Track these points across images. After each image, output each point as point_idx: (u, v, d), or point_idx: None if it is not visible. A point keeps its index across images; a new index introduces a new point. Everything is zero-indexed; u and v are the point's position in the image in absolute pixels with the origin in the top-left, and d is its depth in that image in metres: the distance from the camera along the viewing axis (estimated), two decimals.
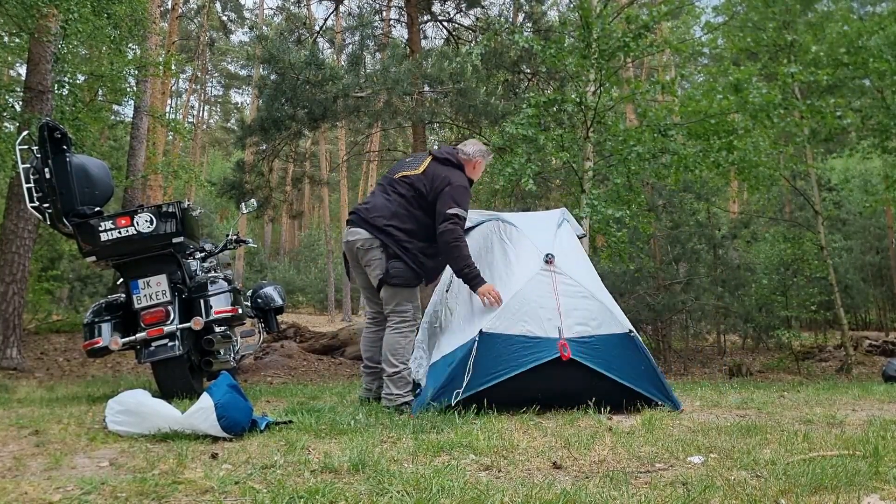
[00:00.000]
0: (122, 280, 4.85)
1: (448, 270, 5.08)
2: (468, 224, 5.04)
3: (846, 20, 9.95)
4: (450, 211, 3.92)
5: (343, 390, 5.73)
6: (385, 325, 4.17)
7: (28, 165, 4.58)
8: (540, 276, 4.16)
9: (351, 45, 11.59)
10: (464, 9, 12.32)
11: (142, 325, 4.64)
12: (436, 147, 4.36)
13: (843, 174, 22.28)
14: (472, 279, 4.01)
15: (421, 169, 4.08)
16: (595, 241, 10.63)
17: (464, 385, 3.83)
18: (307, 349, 10.85)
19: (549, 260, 4.21)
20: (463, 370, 3.87)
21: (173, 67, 14.30)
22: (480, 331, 3.90)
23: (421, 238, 4.02)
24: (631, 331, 4.14)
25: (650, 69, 20.43)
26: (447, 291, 4.80)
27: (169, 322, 4.64)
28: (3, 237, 8.28)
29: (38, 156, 4.52)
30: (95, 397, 4.99)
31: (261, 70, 16.70)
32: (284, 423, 3.42)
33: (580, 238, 5.30)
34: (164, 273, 4.74)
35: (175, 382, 4.64)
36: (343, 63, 10.85)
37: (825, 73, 8.59)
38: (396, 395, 3.95)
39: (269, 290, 6.36)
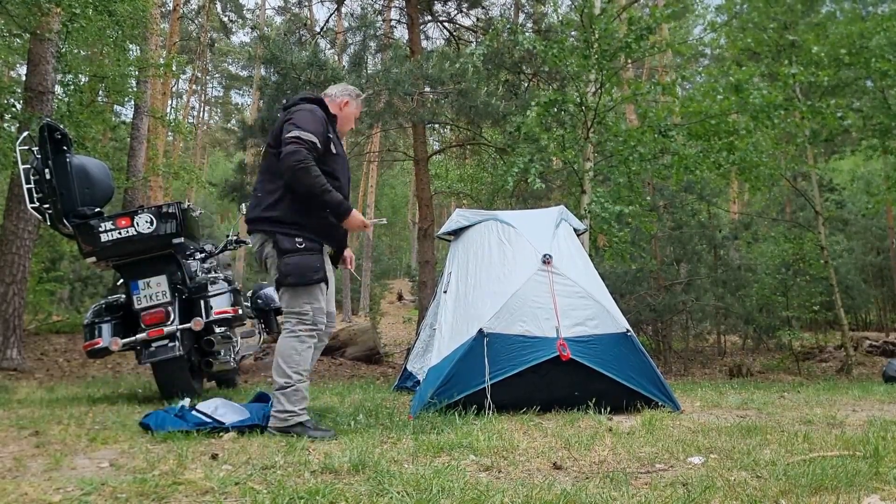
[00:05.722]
0: (122, 281, 4.85)
1: (447, 269, 5.05)
2: (465, 223, 5.03)
3: (854, 21, 9.93)
4: (291, 133, 3.22)
5: (343, 391, 5.73)
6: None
7: (28, 166, 4.58)
8: (537, 276, 4.17)
9: (353, 46, 11.60)
10: (465, 8, 12.32)
11: (142, 325, 4.63)
12: None
13: (849, 174, 22.26)
14: (336, 205, 3.30)
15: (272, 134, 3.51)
16: (597, 241, 10.64)
17: (463, 385, 3.85)
18: None
19: (546, 260, 4.22)
20: (462, 369, 3.88)
21: (174, 68, 14.32)
22: (480, 330, 3.91)
23: (300, 204, 3.33)
24: (628, 330, 4.15)
25: (651, 70, 20.43)
26: (445, 292, 4.81)
27: (169, 323, 4.64)
28: (4, 238, 8.28)
29: (39, 156, 4.52)
30: (95, 398, 4.99)
31: (262, 71, 16.71)
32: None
33: (581, 234, 5.31)
34: (165, 274, 4.74)
35: (175, 383, 4.64)
36: (345, 64, 10.86)
37: (825, 73, 8.59)
38: (289, 412, 3.18)
39: (270, 291, 6.35)
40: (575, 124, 8.98)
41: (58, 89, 9.25)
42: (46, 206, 4.53)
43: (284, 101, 3.65)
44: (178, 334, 4.64)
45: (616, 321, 4.17)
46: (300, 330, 3.28)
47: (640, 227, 10.48)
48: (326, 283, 3.39)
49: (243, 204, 6.44)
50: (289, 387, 3.18)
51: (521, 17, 14.08)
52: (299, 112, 3.35)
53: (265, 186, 3.41)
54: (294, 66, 8.86)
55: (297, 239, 3.28)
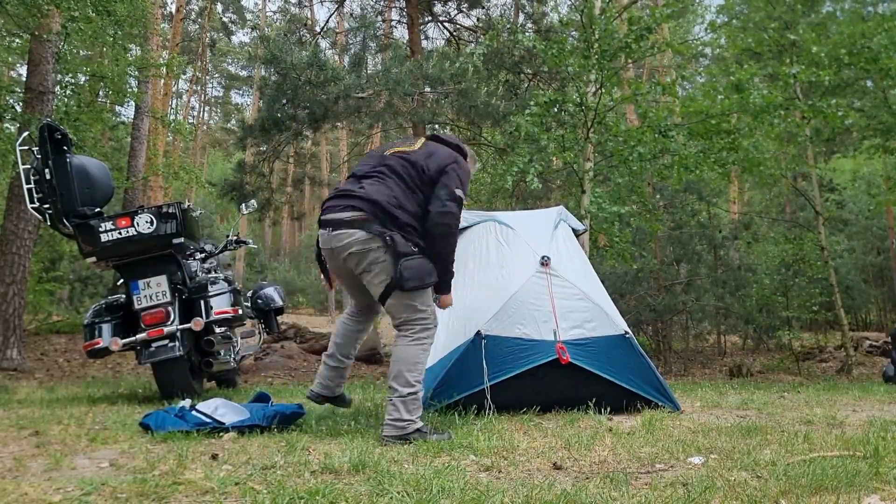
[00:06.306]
0: (122, 281, 4.85)
1: None
2: (463, 224, 5.03)
3: (855, 21, 9.92)
4: (458, 191, 3.20)
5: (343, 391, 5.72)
6: (368, 318, 3.59)
7: (28, 166, 4.59)
8: (536, 278, 4.15)
9: (353, 46, 11.60)
10: (465, 9, 12.33)
11: (142, 325, 4.64)
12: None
13: (851, 174, 22.27)
14: (451, 277, 3.37)
15: (417, 146, 3.38)
16: (597, 241, 10.64)
17: (461, 386, 3.84)
18: (307, 350, 10.86)
19: (544, 262, 4.20)
20: (459, 371, 3.87)
21: (175, 69, 14.34)
22: (478, 332, 3.90)
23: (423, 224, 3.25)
24: (626, 332, 4.14)
25: (651, 69, 20.44)
26: None
27: (169, 323, 4.64)
28: (4, 238, 8.28)
29: (39, 157, 4.53)
30: (96, 398, 4.99)
31: (262, 71, 16.71)
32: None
33: (580, 234, 5.29)
34: (165, 274, 4.74)
35: (175, 383, 4.64)
36: (345, 64, 10.86)
37: (826, 73, 8.59)
38: (407, 421, 3.09)
39: (270, 291, 6.36)
40: (575, 124, 8.98)
41: (57, 89, 9.25)
42: (46, 206, 4.53)
43: (444, 138, 3.52)
44: (178, 334, 4.64)
45: (614, 323, 4.16)
46: (424, 337, 3.22)
47: (641, 227, 10.44)
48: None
49: (243, 204, 6.47)
50: (411, 396, 3.12)
51: (521, 17, 14.08)
52: (466, 171, 3.33)
53: (407, 198, 3.20)
54: (294, 66, 8.87)
55: (424, 258, 3.19)
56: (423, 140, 3.46)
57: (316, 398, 3.54)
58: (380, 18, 12.93)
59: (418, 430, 3.09)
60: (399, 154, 3.31)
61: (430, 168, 3.25)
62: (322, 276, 3.56)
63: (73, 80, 10.39)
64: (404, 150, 3.33)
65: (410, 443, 3.00)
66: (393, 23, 13.85)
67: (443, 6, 12.18)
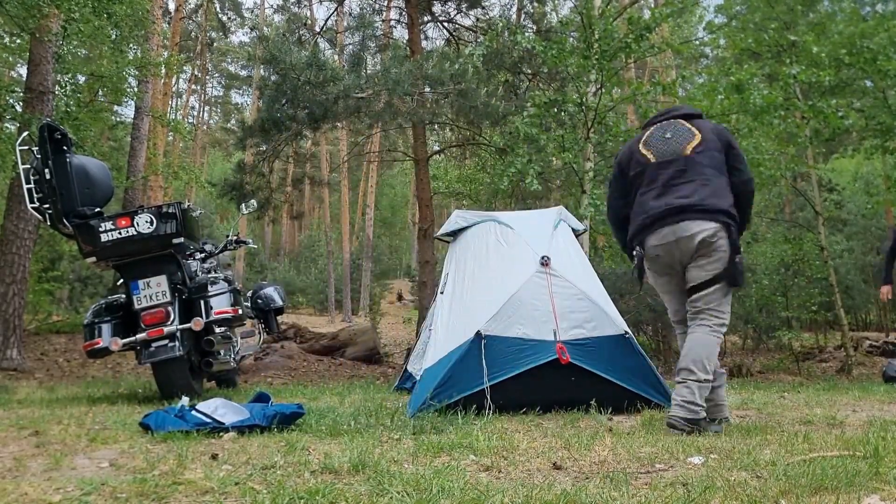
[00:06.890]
0: (122, 281, 4.85)
1: (445, 270, 5.06)
2: (463, 224, 5.04)
3: (854, 21, 9.91)
4: (748, 171, 3.58)
5: (343, 391, 5.74)
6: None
7: (28, 166, 4.59)
8: (536, 278, 4.15)
9: (352, 46, 11.60)
10: (465, 9, 12.33)
11: (142, 325, 4.64)
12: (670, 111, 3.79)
13: (851, 175, 22.24)
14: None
15: (697, 132, 3.52)
16: (597, 242, 10.64)
17: (461, 386, 3.84)
18: (307, 350, 10.86)
19: (544, 262, 4.21)
20: (459, 371, 3.87)
21: (174, 67, 14.32)
22: (478, 332, 3.90)
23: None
24: (626, 332, 4.14)
25: (652, 70, 20.44)
26: (441, 293, 4.79)
27: (169, 323, 4.64)
28: (4, 238, 8.28)
29: (39, 156, 4.52)
30: (95, 398, 4.99)
31: (261, 71, 16.71)
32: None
33: (580, 234, 5.29)
34: (165, 274, 4.74)
35: (175, 383, 4.64)
36: (344, 64, 10.86)
37: (826, 73, 8.58)
38: (700, 406, 3.25)
39: (270, 291, 6.37)
40: (575, 124, 8.98)
41: (57, 89, 9.25)
42: (46, 206, 4.53)
43: (692, 112, 3.73)
44: (178, 334, 4.64)
45: (614, 323, 4.16)
46: (720, 330, 3.44)
47: None
48: None
49: (243, 204, 6.47)
50: (707, 382, 3.30)
51: (522, 17, 14.09)
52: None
53: (719, 181, 3.45)
54: (293, 66, 8.86)
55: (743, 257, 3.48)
56: (691, 126, 3.58)
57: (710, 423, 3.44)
58: (378, 18, 12.94)
59: (704, 418, 3.27)
60: (697, 149, 3.49)
61: (722, 148, 3.51)
62: (640, 278, 3.77)
63: (72, 80, 10.38)
64: (695, 143, 3.51)
65: (696, 431, 3.18)
66: (392, 23, 13.86)
67: (442, 6, 12.18)
